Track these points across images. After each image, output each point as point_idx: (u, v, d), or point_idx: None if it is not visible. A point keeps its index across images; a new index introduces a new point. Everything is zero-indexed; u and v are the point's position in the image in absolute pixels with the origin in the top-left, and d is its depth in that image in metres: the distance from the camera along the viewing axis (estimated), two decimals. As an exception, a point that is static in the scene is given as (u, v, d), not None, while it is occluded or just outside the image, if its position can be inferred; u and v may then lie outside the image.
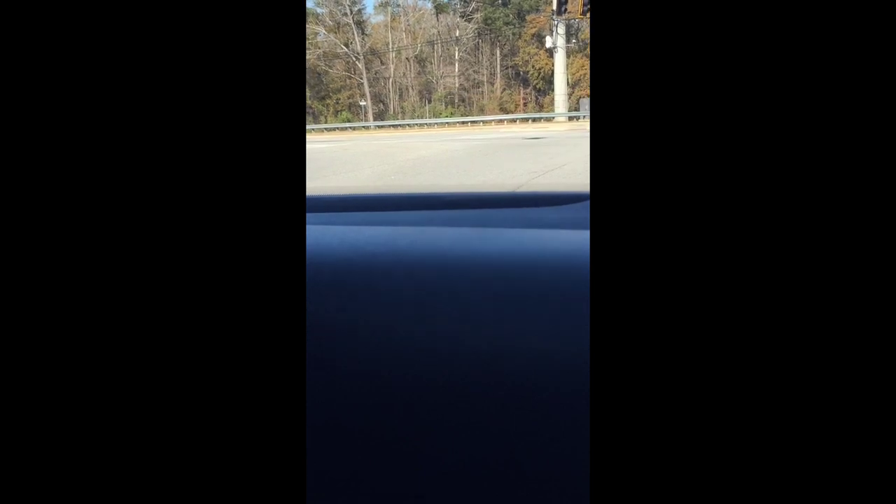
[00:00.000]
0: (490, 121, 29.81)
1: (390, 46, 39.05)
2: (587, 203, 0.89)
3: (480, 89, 40.07)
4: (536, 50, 37.07)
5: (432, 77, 39.29)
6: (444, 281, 0.63)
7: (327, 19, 37.89)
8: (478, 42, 39.83)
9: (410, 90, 38.91)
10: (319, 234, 0.74)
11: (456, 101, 38.60)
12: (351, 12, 37.34)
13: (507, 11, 39.59)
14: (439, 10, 39.84)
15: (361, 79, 37.12)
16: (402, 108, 37.90)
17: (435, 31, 39.50)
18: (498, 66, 39.92)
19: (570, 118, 28.05)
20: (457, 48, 39.27)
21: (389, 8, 39.60)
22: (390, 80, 38.67)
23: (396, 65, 39.06)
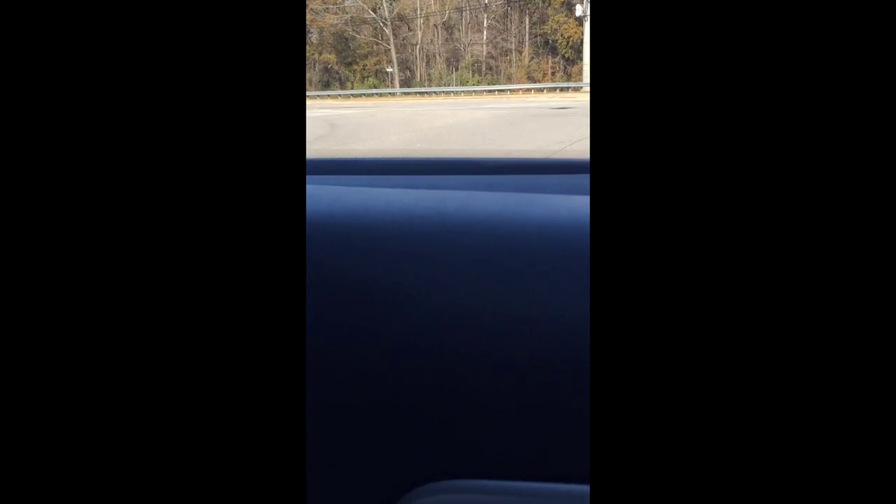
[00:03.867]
0: (517, 90, 29.53)
1: (418, 12, 38.69)
2: None
3: (508, 57, 39.63)
4: (566, 18, 36.50)
5: (460, 44, 38.89)
6: (480, 246, 0.63)
7: (355, -16, 37.58)
8: (507, 9, 39.31)
9: (437, 57, 38.59)
10: (345, 195, 0.74)
11: (483, 69, 38.23)
12: (379, -23, 36.99)
13: (538, -22, 38.96)
14: (468, -25, 39.29)
15: (389, 45, 36.86)
16: (428, 75, 37.62)
17: (464, -3, 39.02)
18: (526, 35, 39.41)
19: (599, 88, 27.55)
20: (485, 15, 38.79)
21: (418, -27, 39.16)
22: (417, 46, 38.35)
23: (424, 31, 38.71)
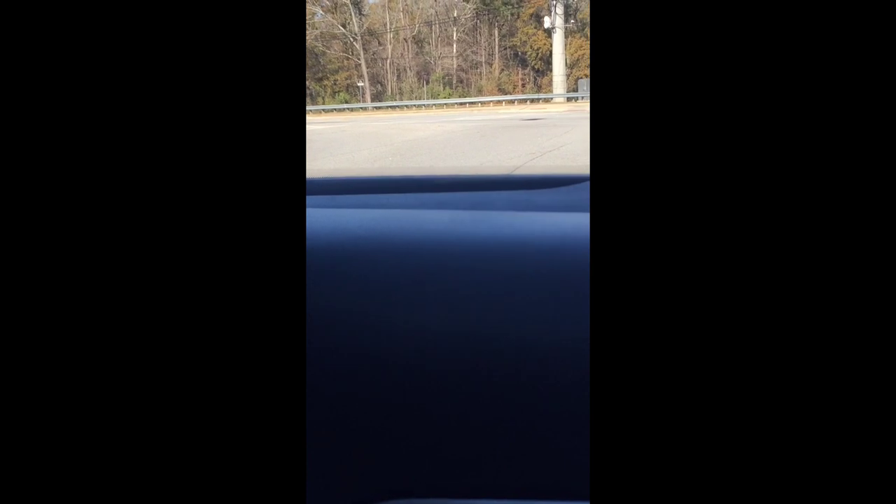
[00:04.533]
0: (488, 102, 29.69)
1: (388, 27, 38.79)
2: (583, 185, 0.89)
3: (478, 70, 39.84)
4: (535, 30, 36.82)
5: (430, 58, 39.05)
6: (436, 266, 0.62)
7: (324, -1, 37.62)
8: (476, 22, 39.56)
9: (408, 71, 38.69)
10: (313, 217, 0.75)
11: (454, 82, 38.39)
12: (348, -8, 37.04)
13: (506, -9, 39.30)
14: (437, -11, 39.52)
15: (359, 60, 36.89)
16: (399, 89, 37.70)
17: (433, 11, 39.24)
18: (496, 47, 39.66)
19: (569, 99, 27.91)
20: (455, 29, 39.00)
21: (387, -12, 39.28)
22: (388, 60, 38.43)
23: (394, 45, 38.81)
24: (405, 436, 0.61)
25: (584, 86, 29.02)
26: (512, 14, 38.72)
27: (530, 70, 39.07)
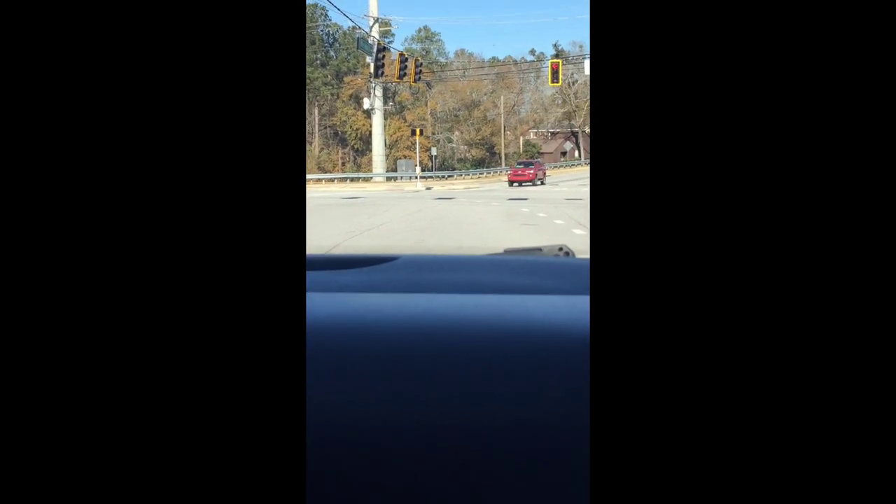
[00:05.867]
0: (308, 180, 29.60)
1: (204, 101, 37.95)
2: (386, 265, 0.83)
3: (298, 148, 39.76)
4: (354, 111, 37.54)
5: (248, 134, 38.54)
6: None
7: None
8: (296, 101, 39.68)
9: (225, 146, 37.86)
10: None
11: (273, 158, 38.01)
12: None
13: (326, 72, 39.97)
14: (256, 67, 39.37)
15: (172, 133, 35.65)
16: (216, 164, 36.72)
17: (251, 87, 38.94)
18: (316, 126, 39.97)
19: (389, 178, 28.48)
20: (274, 106, 38.86)
21: (203, 62, 38.55)
22: (204, 135, 37.44)
23: (210, 120, 37.94)
24: None
25: (403, 166, 29.76)
26: (332, 94, 39.32)
27: (350, 149, 39.64)
